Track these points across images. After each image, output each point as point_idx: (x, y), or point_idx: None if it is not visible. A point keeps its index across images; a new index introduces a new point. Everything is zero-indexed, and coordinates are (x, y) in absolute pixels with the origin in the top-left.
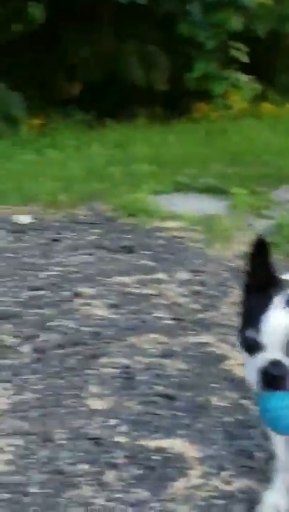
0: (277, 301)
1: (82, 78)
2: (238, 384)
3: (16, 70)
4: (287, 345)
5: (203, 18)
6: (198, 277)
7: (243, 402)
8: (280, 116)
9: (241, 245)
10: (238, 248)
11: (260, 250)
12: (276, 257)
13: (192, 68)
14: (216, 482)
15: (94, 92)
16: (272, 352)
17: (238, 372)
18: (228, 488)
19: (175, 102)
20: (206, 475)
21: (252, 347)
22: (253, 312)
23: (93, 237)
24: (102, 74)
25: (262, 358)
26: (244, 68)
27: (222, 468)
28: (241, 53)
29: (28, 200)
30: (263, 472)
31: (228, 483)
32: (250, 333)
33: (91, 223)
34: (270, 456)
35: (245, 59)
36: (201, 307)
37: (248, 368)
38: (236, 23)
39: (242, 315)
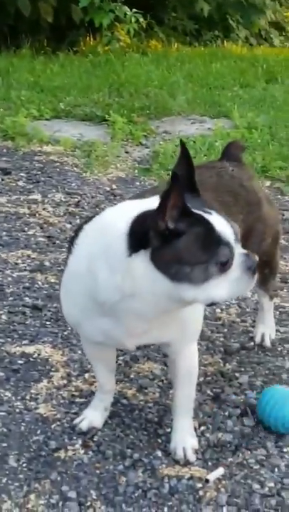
0: (208, 211)
1: None
2: None
3: None
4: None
5: None
6: (73, 199)
7: None
8: (166, 54)
9: (118, 171)
10: (114, 173)
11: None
12: (151, 182)
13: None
14: (78, 383)
15: None
16: (239, 250)
17: None
18: (89, 388)
19: (62, 35)
20: (69, 377)
21: (226, 263)
22: (207, 234)
23: None
24: None
25: (240, 262)
26: (132, 3)
27: (85, 371)
28: None
29: None
30: (124, 373)
31: (90, 383)
32: (223, 250)
33: None
34: (131, 359)
35: None
36: (74, 227)
37: (219, 290)
38: None
39: (195, 248)
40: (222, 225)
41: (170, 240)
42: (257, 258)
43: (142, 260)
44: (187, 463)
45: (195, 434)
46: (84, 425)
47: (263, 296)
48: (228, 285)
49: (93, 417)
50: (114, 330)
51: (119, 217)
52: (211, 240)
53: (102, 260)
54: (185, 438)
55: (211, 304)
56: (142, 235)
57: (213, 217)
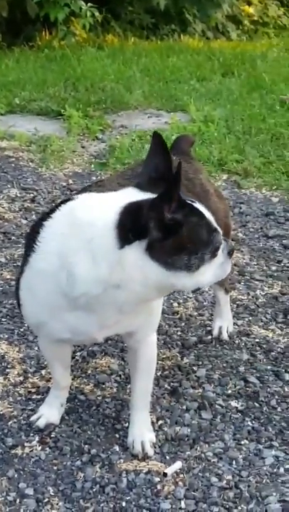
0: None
1: None
2: None
3: None
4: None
5: None
6: (29, 195)
7: None
8: (122, 48)
9: (74, 166)
10: (70, 168)
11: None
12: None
13: None
14: (34, 379)
15: None
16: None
17: None
18: (46, 384)
19: (18, 30)
20: (26, 373)
21: (218, 249)
22: (202, 223)
23: None
24: None
25: (223, 247)
26: None
27: (41, 367)
28: None
29: None
30: (81, 369)
31: (47, 380)
32: (216, 237)
33: None
34: (88, 354)
35: None
36: (30, 222)
37: (206, 275)
38: None
39: (195, 235)
40: (207, 213)
41: (172, 231)
42: (233, 243)
43: (135, 251)
44: (145, 457)
45: (152, 428)
46: (41, 422)
47: (218, 289)
48: (213, 270)
49: (50, 413)
50: (84, 324)
51: (98, 210)
52: (206, 228)
53: (81, 254)
54: (143, 432)
55: (197, 290)
56: (137, 226)
57: (199, 205)
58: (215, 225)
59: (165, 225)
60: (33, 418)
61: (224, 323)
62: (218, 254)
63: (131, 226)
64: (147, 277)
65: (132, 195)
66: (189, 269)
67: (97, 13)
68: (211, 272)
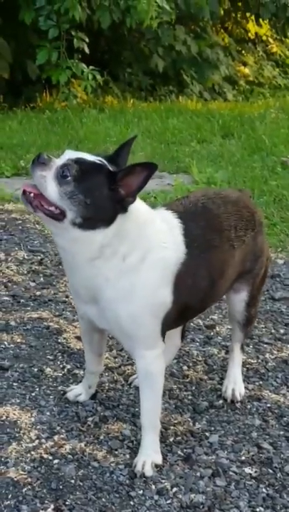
0: None
1: None
2: (71, 355)
3: None
4: None
5: (47, 6)
6: (36, 257)
7: (76, 371)
8: (122, 110)
9: None
10: None
11: None
12: None
13: (35, 56)
14: (47, 445)
15: None
16: None
17: (73, 344)
18: (59, 450)
19: (18, 91)
20: (39, 439)
21: None
22: None
23: None
24: None
25: None
26: (88, 60)
27: (54, 433)
28: (84, 44)
29: None
30: (93, 435)
31: (59, 446)
32: None
33: None
34: (100, 419)
35: (87, 50)
36: (39, 285)
37: None
38: (80, 13)
39: None
40: None
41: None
42: None
43: None
44: (142, 476)
45: (159, 451)
46: (70, 395)
47: (236, 344)
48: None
49: (78, 391)
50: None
51: None
52: None
53: None
54: (148, 453)
55: None
56: None
57: None
58: None
59: None
60: (67, 390)
61: (237, 385)
62: None
63: None
64: None
65: None
66: None
67: (98, 76)
68: None
